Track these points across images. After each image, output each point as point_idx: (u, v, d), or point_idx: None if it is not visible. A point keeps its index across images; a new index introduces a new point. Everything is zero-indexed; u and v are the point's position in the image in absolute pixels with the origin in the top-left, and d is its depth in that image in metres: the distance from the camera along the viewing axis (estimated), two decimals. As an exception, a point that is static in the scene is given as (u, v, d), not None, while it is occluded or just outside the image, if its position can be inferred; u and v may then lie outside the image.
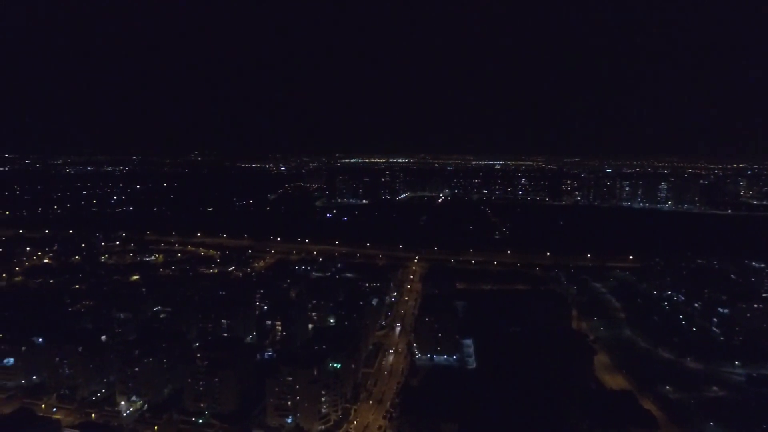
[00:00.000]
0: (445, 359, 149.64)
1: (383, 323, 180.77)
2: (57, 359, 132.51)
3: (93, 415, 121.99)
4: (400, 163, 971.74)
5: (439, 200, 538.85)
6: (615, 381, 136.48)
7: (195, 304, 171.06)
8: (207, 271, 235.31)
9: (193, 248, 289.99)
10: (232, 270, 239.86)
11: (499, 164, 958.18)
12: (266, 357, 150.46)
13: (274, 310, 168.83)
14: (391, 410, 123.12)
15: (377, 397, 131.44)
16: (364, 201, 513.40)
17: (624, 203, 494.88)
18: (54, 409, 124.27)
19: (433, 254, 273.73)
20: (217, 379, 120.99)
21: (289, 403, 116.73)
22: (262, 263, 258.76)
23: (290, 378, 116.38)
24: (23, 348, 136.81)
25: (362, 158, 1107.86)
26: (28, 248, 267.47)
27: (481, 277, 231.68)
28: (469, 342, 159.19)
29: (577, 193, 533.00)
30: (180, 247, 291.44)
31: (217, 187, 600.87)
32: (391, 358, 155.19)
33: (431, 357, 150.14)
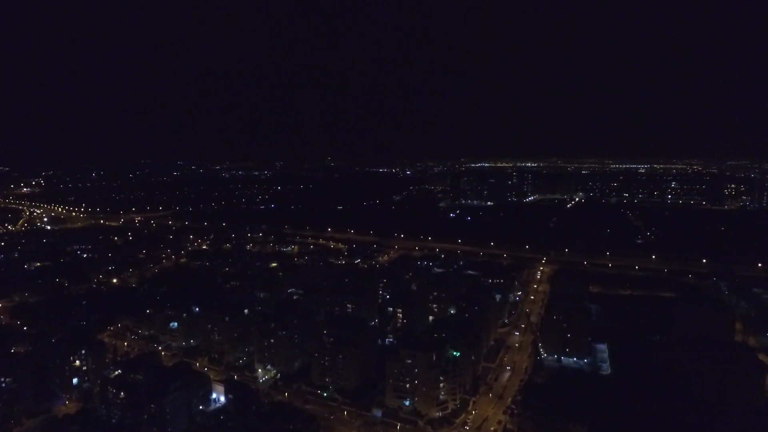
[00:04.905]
0: (575, 362, 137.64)
1: (506, 320, 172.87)
2: (209, 326, 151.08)
3: (235, 377, 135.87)
4: (529, 167, 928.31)
5: (571, 203, 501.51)
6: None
7: (324, 288, 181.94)
8: (335, 262, 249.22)
9: (324, 242, 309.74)
10: (358, 262, 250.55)
11: (643, 168, 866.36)
12: (387, 342, 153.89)
13: (396, 298, 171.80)
14: (513, 406, 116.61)
15: (497, 392, 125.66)
16: (488, 203, 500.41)
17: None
18: (205, 369, 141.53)
19: (563, 256, 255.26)
20: (341, 356, 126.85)
21: (408, 385, 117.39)
22: (386, 257, 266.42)
23: (409, 361, 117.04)
24: (184, 315, 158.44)
25: (489, 162, 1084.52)
26: (191, 236, 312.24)
27: (619, 281, 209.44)
28: (603, 347, 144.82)
29: (744, 197, 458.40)
30: (312, 241, 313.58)
31: (347, 189, 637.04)
32: (514, 355, 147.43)
33: (558, 358, 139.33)
